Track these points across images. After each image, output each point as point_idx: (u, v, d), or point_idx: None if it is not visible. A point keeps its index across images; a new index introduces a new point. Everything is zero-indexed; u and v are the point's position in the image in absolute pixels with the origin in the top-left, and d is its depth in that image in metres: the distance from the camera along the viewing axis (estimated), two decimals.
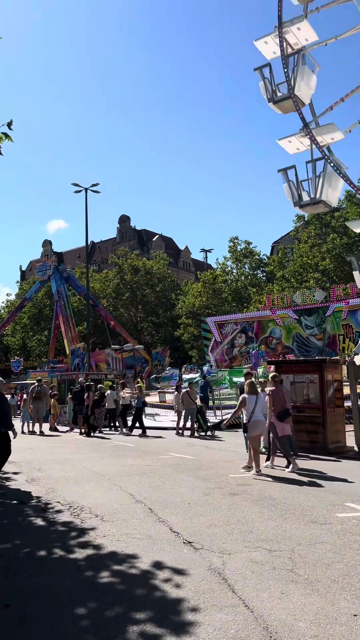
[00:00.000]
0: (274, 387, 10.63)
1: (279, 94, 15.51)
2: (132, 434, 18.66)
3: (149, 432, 18.66)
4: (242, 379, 27.33)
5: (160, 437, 17.72)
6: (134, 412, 18.93)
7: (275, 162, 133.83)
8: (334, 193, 15.30)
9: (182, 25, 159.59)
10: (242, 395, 10.51)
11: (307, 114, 15.98)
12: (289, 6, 15.96)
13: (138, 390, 19.54)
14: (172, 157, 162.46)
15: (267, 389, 11.18)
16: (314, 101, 16.65)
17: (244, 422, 10.42)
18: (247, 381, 10.83)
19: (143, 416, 19.17)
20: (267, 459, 10.96)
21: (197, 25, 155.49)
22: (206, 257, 68.28)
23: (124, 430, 19.33)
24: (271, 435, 10.79)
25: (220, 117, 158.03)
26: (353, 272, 16.55)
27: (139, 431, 18.32)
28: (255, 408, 10.08)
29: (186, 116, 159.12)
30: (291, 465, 10.21)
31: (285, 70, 15.47)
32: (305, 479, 9.36)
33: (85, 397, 19.14)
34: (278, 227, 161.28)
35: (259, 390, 11.12)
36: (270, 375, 11.51)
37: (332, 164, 14.84)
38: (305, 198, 15.25)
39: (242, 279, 54.44)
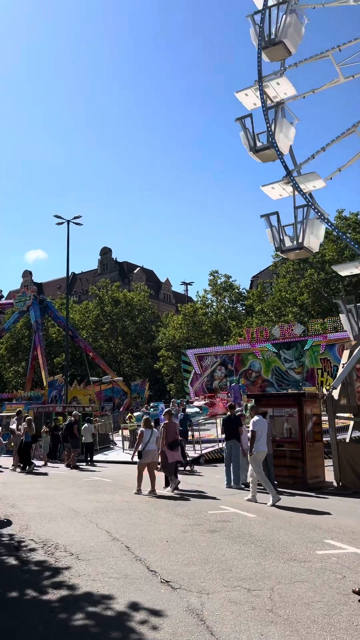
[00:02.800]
0: (167, 421, 12.65)
1: (258, 144, 16.04)
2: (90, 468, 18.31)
3: (127, 466, 18.32)
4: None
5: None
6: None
7: (255, 198, 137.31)
8: (315, 240, 15.71)
9: (169, 66, 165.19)
10: (140, 429, 12.52)
11: (288, 163, 16.49)
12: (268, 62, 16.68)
13: (27, 425, 18.77)
14: (155, 191, 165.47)
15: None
16: (296, 150, 17.33)
17: (140, 450, 12.17)
18: (145, 417, 13.27)
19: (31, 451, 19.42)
20: (166, 485, 12.46)
21: (184, 68, 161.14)
22: (187, 289, 68.92)
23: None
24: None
25: (203, 155, 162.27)
26: (340, 314, 16.82)
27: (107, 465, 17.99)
28: (150, 439, 12.12)
29: (169, 153, 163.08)
30: (170, 485, 12.21)
31: (267, 123, 16.03)
32: (285, 515, 9.26)
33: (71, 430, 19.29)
34: (257, 261, 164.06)
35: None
36: (166, 410, 13.94)
37: (315, 211, 15.30)
38: (288, 243, 15.66)
39: (222, 311, 54.88)
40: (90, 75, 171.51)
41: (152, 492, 11.78)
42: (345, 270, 18.07)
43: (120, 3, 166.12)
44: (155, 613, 4.62)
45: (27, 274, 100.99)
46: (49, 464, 21.81)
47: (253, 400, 15.32)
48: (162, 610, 4.67)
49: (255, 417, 11.21)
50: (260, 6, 16.54)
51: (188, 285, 68.82)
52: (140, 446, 12.13)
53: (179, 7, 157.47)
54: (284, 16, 15.71)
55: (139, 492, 11.92)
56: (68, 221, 36.82)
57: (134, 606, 4.80)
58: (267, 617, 4.51)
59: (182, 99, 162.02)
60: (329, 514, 9.50)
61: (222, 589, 5.26)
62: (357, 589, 4.95)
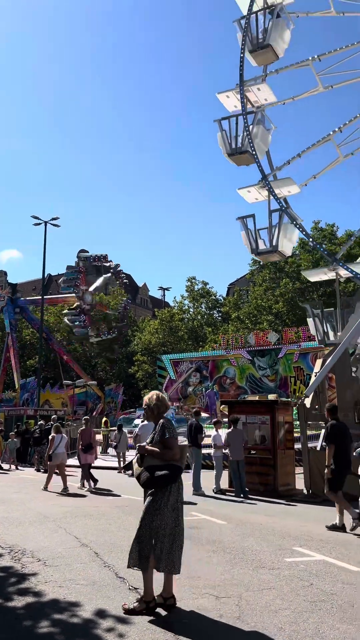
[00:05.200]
0: (83, 427, 14.71)
1: (235, 147, 16.22)
2: None
3: (99, 472, 18.15)
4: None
5: (110, 477, 17.27)
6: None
7: (233, 205, 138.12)
8: (289, 244, 15.92)
9: (150, 67, 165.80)
10: (52, 435, 14.02)
11: (265, 168, 16.73)
12: (251, 64, 16.90)
13: None
14: (134, 195, 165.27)
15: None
16: (273, 154, 17.59)
17: (50, 453, 13.80)
18: (55, 424, 15.23)
19: None
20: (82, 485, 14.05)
21: (165, 69, 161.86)
22: (164, 295, 68.95)
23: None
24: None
25: (181, 159, 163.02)
26: (307, 318, 17.08)
27: None
28: (59, 444, 13.67)
29: (147, 155, 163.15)
30: (86, 486, 13.80)
31: (246, 126, 16.20)
32: (255, 522, 9.30)
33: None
34: (234, 269, 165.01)
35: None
36: (83, 418, 16.15)
37: (288, 216, 15.53)
38: (262, 246, 15.83)
39: (199, 317, 55.06)
40: (68, 73, 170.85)
41: (64, 489, 13.22)
42: (315, 277, 18.43)
43: (100, 3, 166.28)
44: (122, 620, 4.57)
45: (1, 274, 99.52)
46: (18, 467, 21.46)
47: (227, 406, 15.40)
48: (129, 618, 4.63)
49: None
50: (246, 11, 16.77)
51: (165, 291, 68.93)
52: (51, 450, 13.72)
53: (159, 13, 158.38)
54: (271, 21, 15.96)
55: (45, 489, 13.54)
56: (45, 222, 36.49)
57: (101, 613, 4.74)
58: (235, 625, 4.51)
59: (160, 99, 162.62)
60: (298, 521, 9.58)
61: (190, 595, 5.24)
62: (128, 607, 4.75)
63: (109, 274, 45.03)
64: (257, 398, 19.86)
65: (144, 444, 5.05)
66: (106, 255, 43.42)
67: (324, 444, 10.84)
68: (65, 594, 5.25)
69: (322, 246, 16.18)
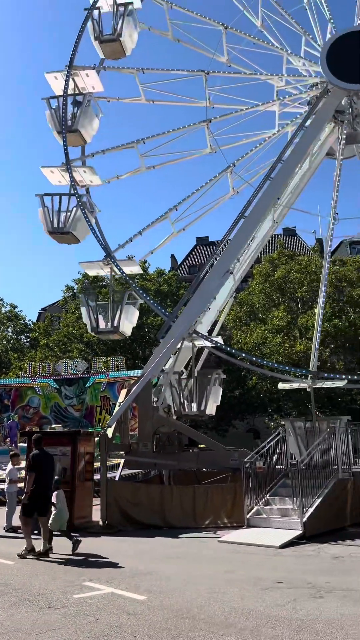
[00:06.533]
0: None
1: (55, 226, 16.25)
2: None
3: None
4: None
5: None
6: None
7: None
8: (129, 325, 16.42)
9: None
10: None
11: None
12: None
13: None
14: None
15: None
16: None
17: None
18: None
19: None
20: None
21: None
22: None
23: None
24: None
25: None
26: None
27: None
28: None
29: None
30: None
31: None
32: (47, 560, 8.93)
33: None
34: (47, 294, 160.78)
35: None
36: None
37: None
38: (102, 325, 16.10)
39: (4, 342, 52.03)
40: None
41: None
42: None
43: None
44: None
45: None
46: None
47: (26, 438, 14.68)
48: None
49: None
50: (58, 92, 17.46)
51: None
52: None
53: None
54: (80, 108, 16.82)
55: None
56: None
57: None
58: None
59: None
60: (90, 555, 9.49)
61: None
62: None
63: None
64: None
65: None
66: None
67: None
68: None
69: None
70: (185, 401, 15.44)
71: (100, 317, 16.13)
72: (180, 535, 11.61)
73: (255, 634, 5.17)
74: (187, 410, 15.35)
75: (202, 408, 15.49)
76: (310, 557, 9.26)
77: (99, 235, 16.42)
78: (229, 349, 18.05)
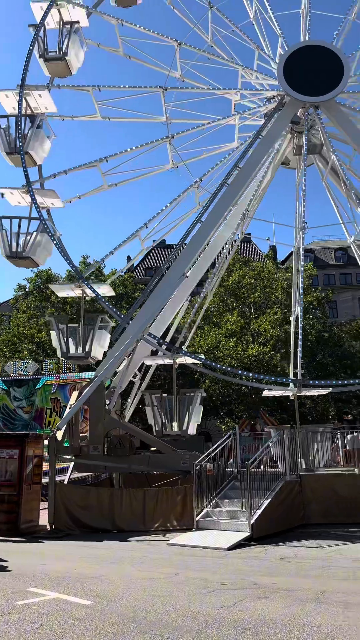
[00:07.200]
0: None
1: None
2: None
3: None
4: None
5: None
6: None
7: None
8: (100, 349, 16.12)
9: None
10: None
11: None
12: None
13: None
14: None
15: None
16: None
17: None
18: None
19: None
20: None
21: None
22: None
23: None
24: None
25: None
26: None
27: None
28: None
29: None
30: None
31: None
32: None
33: None
34: None
35: None
36: None
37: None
38: (73, 351, 15.76)
39: None
40: None
41: None
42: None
43: None
44: None
45: None
46: None
47: None
48: None
49: None
50: (8, 110, 17.16)
51: None
52: None
53: None
54: (31, 129, 16.63)
55: None
56: None
57: None
58: None
59: None
60: (37, 559, 9.28)
61: None
62: None
63: None
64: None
65: None
66: None
67: None
68: None
69: (75, 265, 16.78)
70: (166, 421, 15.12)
71: (70, 340, 15.90)
72: (129, 539, 11.54)
73: (201, 636, 5.19)
74: (168, 430, 15.00)
75: (184, 428, 15.01)
76: (257, 559, 9.40)
77: (69, 259, 16.38)
78: (213, 364, 19.17)
